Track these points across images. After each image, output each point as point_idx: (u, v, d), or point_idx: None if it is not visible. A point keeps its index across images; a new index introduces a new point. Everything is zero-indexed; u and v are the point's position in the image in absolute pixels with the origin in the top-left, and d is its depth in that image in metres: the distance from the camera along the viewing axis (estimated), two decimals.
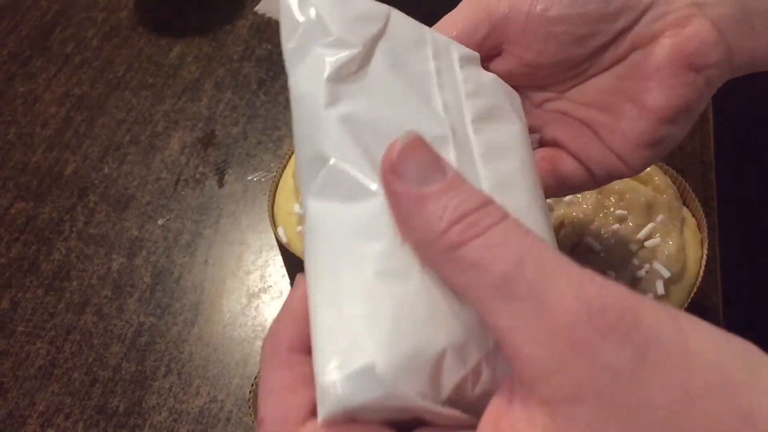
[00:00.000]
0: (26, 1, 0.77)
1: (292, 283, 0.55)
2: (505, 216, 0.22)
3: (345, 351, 0.22)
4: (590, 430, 0.20)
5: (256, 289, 0.56)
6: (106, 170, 0.63)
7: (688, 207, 0.49)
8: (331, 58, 0.26)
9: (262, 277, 0.56)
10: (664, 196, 0.47)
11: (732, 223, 0.59)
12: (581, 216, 0.47)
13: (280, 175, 0.52)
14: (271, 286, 0.56)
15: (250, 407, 0.42)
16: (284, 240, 0.49)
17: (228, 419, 0.49)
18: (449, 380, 0.22)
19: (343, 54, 0.26)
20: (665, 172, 0.49)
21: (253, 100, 0.68)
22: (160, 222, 0.60)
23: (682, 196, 0.49)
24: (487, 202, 0.22)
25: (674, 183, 0.49)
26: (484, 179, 0.27)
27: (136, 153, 0.65)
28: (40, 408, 0.50)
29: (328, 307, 0.23)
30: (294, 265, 0.50)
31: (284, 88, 0.68)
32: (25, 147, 0.65)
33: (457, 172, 0.23)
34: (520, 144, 0.29)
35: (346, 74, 0.26)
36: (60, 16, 0.76)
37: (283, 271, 0.56)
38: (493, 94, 0.30)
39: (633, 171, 0.33)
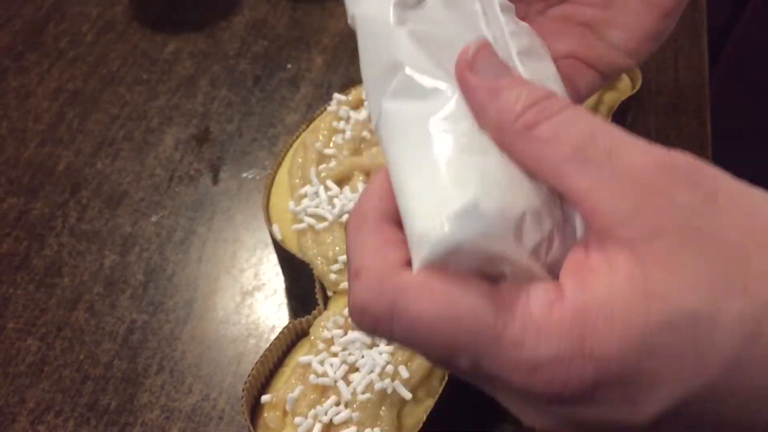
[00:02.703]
0: None
1: (286, 281, 0.54)
2: (571, 103, 0.25)
3: (439, 203, 0.24)
4: (670, 257, 0.22)
5: (250, 287, 0.55)
6: (99, 166, 0.63)
7: None
8: None
9: (256, 275, 0.56)
10: None
11: None
12: None
13: (275, 173, 0.52)
14: (264, 284, 0.55)
15: (243, 405, 0.41)
16: (279, 237, 0.49)
17: (221, 417, 0.49)
18: (529, 241, 0.24)
19: None
20: None
21: (249, 97, 0.67)
22: (153, 219, 0.59)
23: None
24: (554, 94, 0.25)
25: None
26: None
27: (130, 149, 0.64)
28: (30, 405, 0.50)
29: (415, 177, 0.25)
30: (289, 262, 0.49)
31: (279, 86, 0.68)
32: (17, 142, 0.65)
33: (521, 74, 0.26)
34: (557, 79, 0.30)
35: (409, 3, 0.29)
36: (54, 11, 0.75)
37: (277, 269, 0.55)
38: (530, 37, 0.30)
39: (638, 63, 0.36)
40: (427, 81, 0.27)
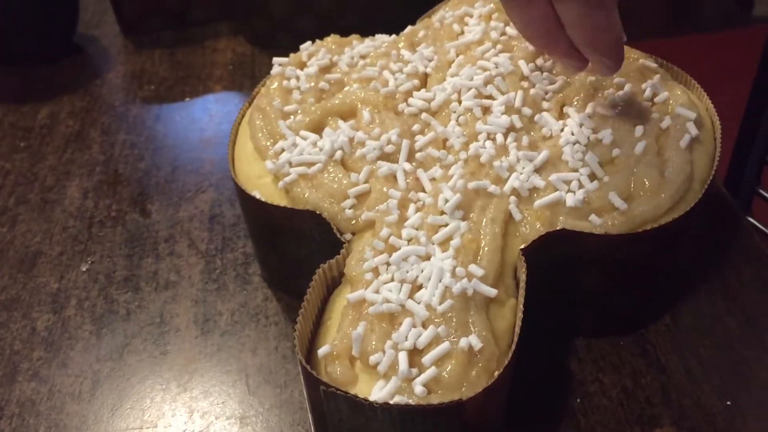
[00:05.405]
0: None
1: (271, 261, 0.46)
2: None
3: None
4: None
5: (224, 287, 0.46)
6: None
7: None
8: None
9: (225, 270, 0.47)
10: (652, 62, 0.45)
11: None
12: (581, 94, 0.43)
13: (234, 143, 0.45)
14: (243, 265, 0.46)
15: (302, 364, 0.32)
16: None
17: (259, 420, 0.39)
18: None
19: None
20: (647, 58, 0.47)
21: (153, 134, 0.60)
22: (83, 267, 0.49)
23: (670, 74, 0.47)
24: None
25: (661, 66, 0.47)
26: None
27: (28, 211, 0.54)
28: None
29: None
30: (286, 222, 0.41)
31: (185, 115, 0.61)
32: None
33: None
34: None
35: None
36: None
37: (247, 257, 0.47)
38: None
39: None
40: None
